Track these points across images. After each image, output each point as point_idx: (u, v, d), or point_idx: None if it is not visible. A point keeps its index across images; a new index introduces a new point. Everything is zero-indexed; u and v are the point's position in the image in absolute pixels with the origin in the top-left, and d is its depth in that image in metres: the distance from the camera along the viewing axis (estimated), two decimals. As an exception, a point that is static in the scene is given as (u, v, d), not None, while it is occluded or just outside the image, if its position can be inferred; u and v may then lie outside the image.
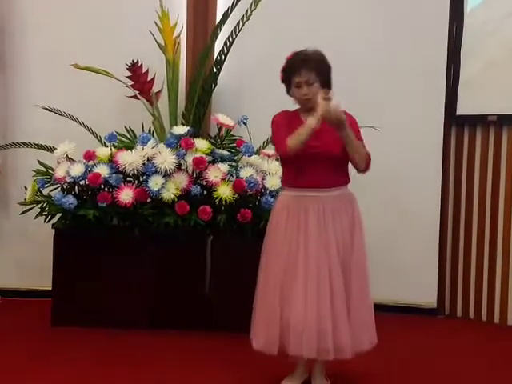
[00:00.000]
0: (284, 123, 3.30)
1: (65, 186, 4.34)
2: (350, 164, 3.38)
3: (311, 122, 3.13)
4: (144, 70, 4.63)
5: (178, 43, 4.68)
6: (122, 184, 4.25)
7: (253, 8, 4.49)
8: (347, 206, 3.37)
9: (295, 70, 3.27)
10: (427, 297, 4.86)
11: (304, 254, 3.24)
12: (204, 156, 4.30)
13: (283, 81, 3.36)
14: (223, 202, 4.20)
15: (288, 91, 3.36)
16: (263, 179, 4.26)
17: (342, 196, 3.35)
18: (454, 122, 4.86)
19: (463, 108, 4.78)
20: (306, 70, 3.25)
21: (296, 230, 3.27)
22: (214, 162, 4.37)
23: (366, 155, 3.38)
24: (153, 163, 4.25)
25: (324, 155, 3.24)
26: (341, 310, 3.24)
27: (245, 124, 4.43)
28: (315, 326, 3.18)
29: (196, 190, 4.24)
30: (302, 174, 3.27)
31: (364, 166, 3.37)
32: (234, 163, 4.43)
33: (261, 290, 3.38)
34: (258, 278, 3.40)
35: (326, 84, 3.31)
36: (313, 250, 3.23)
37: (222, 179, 4.23)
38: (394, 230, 4.84)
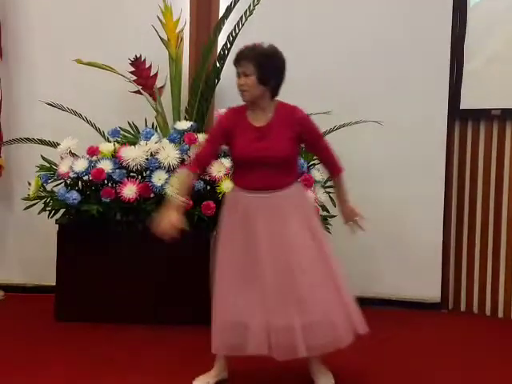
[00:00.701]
0: (223, 129, 3.27)
1: (68, 182, 4.35)
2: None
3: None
4: (147, 65, 4.62)
5: (181, 38, 4.67)
6: (126, 179, 4.25)
7: (256, 2, 4.48)
8: (298, 203, 3.31)
9: (236, 60, 3.24)
10: (431, 291, 4.86)
11: (253, 254, 3.19)
12: (207, 151, 4.29)
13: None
14: (226, 197, 4.20)
15: None
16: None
17: (291, 194, 3.28)
18: (458, 116, 4.85)
19: (467, 102, 4.78)
20: (246, 61, 3.19)
21: (245, 229, 3.22)
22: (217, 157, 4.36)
23: (341, 165, 3.44)
24: (156, 158, 4.25)
25: (271, 159, 3.19)
26: (292, 307, 3.17)
27: (248, 119, 4.42)
28: (265, 325, 3.15)
29: (199, 185, 4.24)
30: (250, 175, 3.22)
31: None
32: (237, 158, 4.41)
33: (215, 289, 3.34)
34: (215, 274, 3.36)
35: (264, 80, 3.19)
36: (262, 249, 3.19)
37: (226, 174, 4.23)
38: (397, 224, 4.84)
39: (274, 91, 3.26)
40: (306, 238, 3.26)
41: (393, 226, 4.83)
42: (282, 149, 3.20)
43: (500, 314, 4.77)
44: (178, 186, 3.32)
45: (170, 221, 3.15)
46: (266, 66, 3.19)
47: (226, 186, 4.18)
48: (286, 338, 3.14)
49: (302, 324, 3.14)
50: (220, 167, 4.24)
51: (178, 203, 3.22)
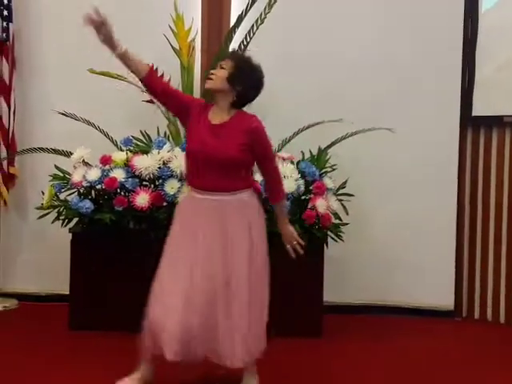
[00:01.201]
0: (194, 105, 3.31)
1: (81, 191, 4.37)
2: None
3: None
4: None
5: (193, 47, 4.69)
6: (138, 188, 4.26)
7: (267, 11, 4.48)
8: (242, 212, 3.27)
9: (223, 56, 3.35)
10: (444, 299, 4.85)
11: (189, 257, 3.20)
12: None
13: None
14: (239, 206, 4.20)
15: None
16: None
17: (237, 201, 3.26)
18: (470, 123, 4.85)
19: (479, 109, 4.77)
20: (229, 58, 3.31)
21: (189, 228, 3.24)
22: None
23: (283, 192, 3.46)
24: (168, 167, 4.26)
25: (218, 159, 3.18)
26: (220, 316, 3.16)
27: (259, 127, 4.43)
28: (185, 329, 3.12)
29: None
30: (197, 174, 3.23)
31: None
32: (249, 166, 4.42)
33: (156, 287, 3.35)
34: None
35: (233, 81, 3.22)
36: (202, 251, 3.19)
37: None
38: (410, 231, 4.84)
39: (238, 99, 3.27)
40: (243, 249, 3.23)
41: (405, 234, 4.83)
42: (231, 151, 3.18)
43: (514, 322, 4.75)
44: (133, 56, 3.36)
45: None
46: (243, 71, 3.26)
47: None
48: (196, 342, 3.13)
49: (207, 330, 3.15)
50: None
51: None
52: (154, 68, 4.56)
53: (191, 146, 3.25)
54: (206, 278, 3.17)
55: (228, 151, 3.17)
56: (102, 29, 3.24)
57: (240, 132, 3.21)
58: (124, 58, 3.39)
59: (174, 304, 3.15)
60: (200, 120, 3.26)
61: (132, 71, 3.41)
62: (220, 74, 3.23)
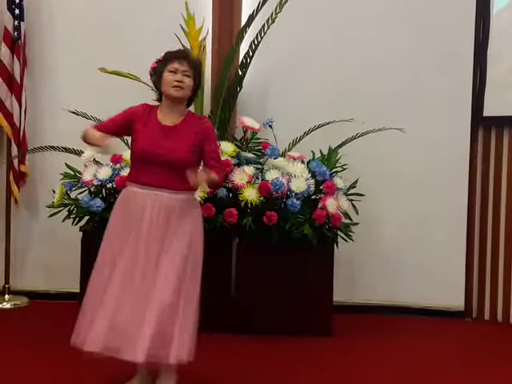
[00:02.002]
0: (133, 115, 3.27)
1: (92, 189, 4.38)
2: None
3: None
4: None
5: (204, 46, 4.69)
6: (149, 187, 4.26)
7: (278, 11, 4.49)
8: (188, 210, 3.29)
9: (176, 58, 3.26)
10: (454, 300, 4.84)
11: (132, 250, 3.20)
12: (230, 159, 4.31)
13: (154, 70, 3.35)
14: (249, 205, 4.21)
15: (156, 83, 3.32)
16: (289, 182, 4.26)
17: (184, 200, 3.27)
18: (481, 123, 4.83)
19: (490, 109, 4.76)
20: (189, 63, 3.27)
21: (130, 223, 3.23)
22: (239, 164, 4.37)
23: (223, 177, 3.47)
24: (179, 166, 4.27)
25: (171, 159, 3.18)
26: (146, 312, 3.13)
27: (270, 127, 4.43)
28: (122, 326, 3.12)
29: (222, 192, 4.25)
30: (147, 171, 3.21)
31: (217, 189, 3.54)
32: (259, 166, 4.43)
33: (90, 281, 3.35)
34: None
35: (195, 88, 3.30)
36: (141, 246, 3.19)
37: (248, 182, 4.24)
38: (420, 232, 4.83)
39: (190, 101, 3.36)
40: (182, 247, 3.23)
41: (415, 234, 4.82)
42: (184, 152, 3.20)
43: (525, 323, 4.74)
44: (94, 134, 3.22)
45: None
46: (199, 77, 3.34)
47: (249, 193, 4.19)
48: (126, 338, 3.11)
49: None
50: (242, 175, 4.25)
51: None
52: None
53: (142, 146, 3.22)
54: (141, 273, 3.17)
55: (179, 152, 3.19)
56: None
57: (193, 133, 3.25)
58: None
59: (107, 299, 3.18)
60: (148, 122, 3.26)
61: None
62: (188, 83, 3.24)
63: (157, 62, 3.41)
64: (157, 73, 3.32)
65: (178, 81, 3.21)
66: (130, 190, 3.31)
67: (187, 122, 3.28)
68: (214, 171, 3.23)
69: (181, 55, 3.28)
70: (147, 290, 3.15)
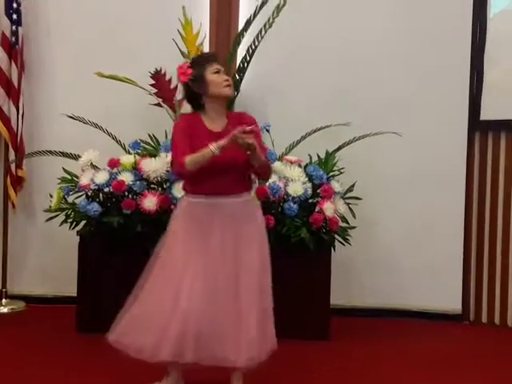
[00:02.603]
0: (187, 131, 3.23)
1: (89, 194, 4.37)
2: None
3: (214, 149, 3.07)
4: (167, 78, 4.65)
5: (201, 51, 4.69)
6: (146, 191, 4.27)
7: (275, 15, 4.50)
8: (253, 212, 3.32)
9: (212, 59, 3.30)
10: (452, 303, 4.84)
11: (206, 258, 3.18)
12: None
13: (191, 76, 3.25)
14: (246, 209, 4.21)
15: (198, 88, 3.24)
16: (286, 185, 4.26)
17: (246, 202, 3.30)
18: (478, 127, 4.84)
19: (487, 113, 4.76)
20: (219, 64, 3.31)
21: (199, 233, 3.21)
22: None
23: (269, 168, 3.41)
24: (176, 170, 4.27)
25: (231, 164, 3.18)
26: (232, 317, 3.14)
27: (267, 131, 4.43)
28: (212, 333, 3.12)
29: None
30: (208, 180, 3.19)
31: (267, 177, 3.44)
32: (256, 170, 4.43)
33: (148, 289, 3.32)
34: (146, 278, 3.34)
35: None
36: (215, 253, 3.19)
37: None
38: (417, 235, 4.84)
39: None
40: (254, 250, 3.25)
41: (412, 238, 4.83)
42: (240, 154, 3.17)
43: (522, 326, 4.74)
44: (198, 154, 3.15)
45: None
46: None
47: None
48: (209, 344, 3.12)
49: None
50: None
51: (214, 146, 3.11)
52: (162, 72, 4.63)
53: None
54: (216, 281, 3.16)
55: (238, 156, 3.17)
56: None
57: None
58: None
59: (182, 306, 3.13)
60: (197, 132, 3.22)
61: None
62: (231, 81, 3.28)
63: (190, 67, 3.28)
64: (197, 78, 3.25)
65: (227, 79, 3.25)
66: (192, 201, 3.28)
67: (232, 122, 3.26)
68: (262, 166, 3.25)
69: (214, 57, 3.34)
70: (230, 297, 3.15)
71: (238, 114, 3.41)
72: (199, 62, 3.31)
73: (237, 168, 3.21)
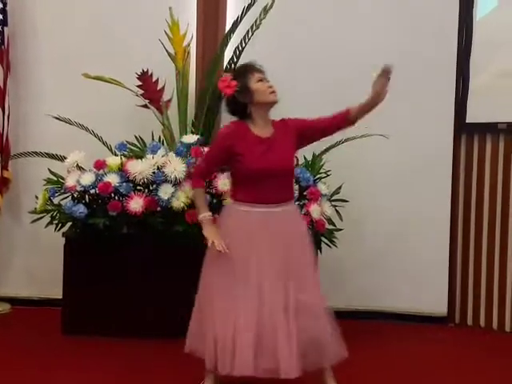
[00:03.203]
0: (226, 147, 3.27)
1: (75, 195, 4.36)
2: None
3: (202, 217, 3.36)
4: (154, 79, 4.64)
5: (188, 52, 4.69)
6: (132, 193, 4.25)
7: (262, 17, 4.51)
8: (299, 220, 3.42)
9: (253, 69, 3.33)
10: (437, 305, 4.85)
11: (257, 270, 3.22)
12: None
13: (236, 87, 3.28)
14: (233, 211, 4.21)
15: (244, 98, 3.29)
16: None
17: (293, 211, 3.38)
18: (464, 129, 4.86)
19: (473, 116, 4.78)
20: (262, 70, 3.35)
21: (250, 242, 3.25)
22: (223, 170, 4.37)
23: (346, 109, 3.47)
24: (163, 172, 4.26)
25: (281, 170, 3.26)
26: (286, 328, 3.18)
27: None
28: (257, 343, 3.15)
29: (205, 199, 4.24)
30: (258, 189, 3.25)
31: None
32: (243, 171, 4.43)
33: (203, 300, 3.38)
34: (204, 286, 3.39)
35: None
36: (267, 262, 3.22)
37: (231, 188, 4.23)
38: (403, 238, 4.84)
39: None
40: (307, 255, 3.35)
41: (399, 240, 4.84)
42: (290, 158, 3.31)
43: (507, 328, 4.75)
44: (202, 203, 3.42)
45: (217, 235, 3.28)
46: None
47: (233, 199, 4.19)
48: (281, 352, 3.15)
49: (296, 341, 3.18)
50: (226, 181, 4.24)
51: (209, 219, 3.36)
52: (149, 73, 4.62)
53: (252, 166, 3.23)
54: (273, 292, 3.20)
55: (289, 160, 3.31)
56: None
57: (286, 137, 3.31)
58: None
59: (247, 321, 3.17)
60: (246, 140, 3.26)
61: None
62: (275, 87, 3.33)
63: (234, 79, 3.30)
64: (242, 89, 3.29)
65: (271, 86, 3.30)
66: (241, 209, 3.31)
67: (277, 129, 3.33)
68: (337, 117, 3.38)
69: (255, 66, 3.35)
70: (287, 305, 3.20)
71: (281, 121, 3.40)
72: (242, 73, 3.34)
73: (285, 175, 3.30)
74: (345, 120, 3.39)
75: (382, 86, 3.31)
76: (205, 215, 3.36)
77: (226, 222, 3.38)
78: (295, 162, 3.33)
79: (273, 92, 3.30)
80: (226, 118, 4.69)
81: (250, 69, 3.34)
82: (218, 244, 3.25)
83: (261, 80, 3.30)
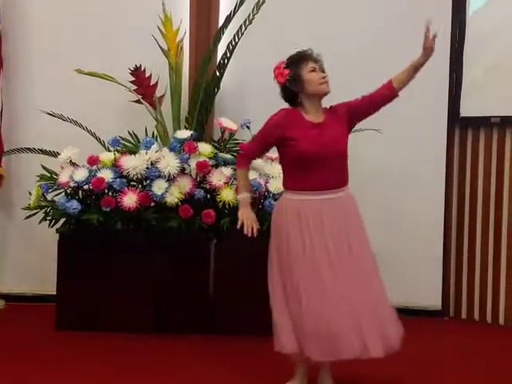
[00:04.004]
0: (276, 131, 3.27)
1: (69, 191, 4.35)
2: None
3: (240, 198, 3.39)
4: (147, 75, 4.64)
5: (181, 48, 4.68)
6: (126, 188, 4.25)
7: (255, 12, 4.50)
8: (353, 205, 3.39)
9: (309, 57, 3.30)
10: (432, 299, 4.86)
11: (323, 258, 3.21)
12: (207, 160, 4.31)
13: (288, 76, 3.28)
14: (227, 206, 4.21)
15: (296, 87, 3.29)
16: (266, 182, 4.27)
17: (348, 196, 3.36)
18: (458, 124, 4.86)
19: (466, 110, 4.78)
20: (317, 60, 3.32)
21: (311, 232, 3.23)
22: (217, 165, 4.37)
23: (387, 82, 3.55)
24: (156, 167, 4.26)
25: (336, 153, 3.26)
26: (365, 310, 3.22)
27: (248, 127, 4.42)
28: (348, 329, 3.18)
29: (199, 193, 4.25)
30: (312, 175, 3.23)
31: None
32: (237, 167, 4.43)
33: (279, 296, 3.32)
34: (274, 280, 3.33)
35: None
36: (331, 252, 3.22)
37: (226, 183, 4.24)
38: (398, 232, 4.84)
39: None
40: (363, 242, 3.37)
41: (393, 235, 4.83)
42: (343, 141, 3.31)
43: (501, 321, 4.76)
44: (244, 184, 3.42)
45: (250, 218, 3.32)
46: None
47: (226, 194, 4.19)
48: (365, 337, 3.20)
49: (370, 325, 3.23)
50: (220, 176, 4.25)
51: (246, 201, 3.36)
52: (142, 68, 4.61)
53: (307, 150, 3.20)
54: (345, 278, 3.22)
55: (343, 143, 3.31)
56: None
57: (338, 122, 3.32)
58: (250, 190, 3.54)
59: (340, 309, 3.19)
60: (299, 125, 3.26)
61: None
62: (328, 78, 3.31)
63: (287, 67, 3.30)
64: (294, 78, 3.28)
65: (323, 77, 3.28)
66: (297, 198, 3.28)
67: (329, 116, 3.33)
68: (380, 89, 3.45)
69: (310, 54, 3.33)
70: (352, 290, 3.21)
71: (330, 108, 3.39)
72: (295, 62, 3.32)
73: (340, 158, 3.29)
74: (388, 89, 3.44)
75: (429, 41, 3.47)
76: (242, 196, 3.37)
77: (282, 210, 3.34)
78: (347, 144, 3.33)
79: (324, 83, 3.29)
80: (219, 114, 4.75)
81: (303, 57, 3.31)
82: (247, 226, 3.28)
83: (313, 70, 3.28)
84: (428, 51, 3.46)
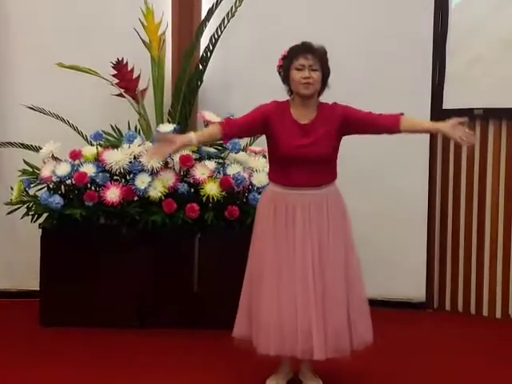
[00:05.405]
0: (260, 116, 3.26)
1: (51, 186, 4.32)
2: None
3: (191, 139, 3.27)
4: (129, 68, 4.61)
5: (163, 41, 4.65)
6: (109, 183, 4.23)
7: (238, 4, 4.49)
8: (334, 203, 3.35)
9: (300, 53, 3.22)
10: (416, 291, 4.88)
11: (290, 251, 3.22)
12: (191, 153, 4.29)
13: (281, 68, 3.28)
14: (210, 200, 4.20)
15: (284, 80, 3.29)
16: (250, 176, 4.26)
17: (328, 194, 3.33)
18: (441, 115, 4.85)
19: (449, 102, 4.79)
20: (312, 55, 3.22)
21: (283, 225, 3.25)
22: (200, 159, 4.36)
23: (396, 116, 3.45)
24: (139, 161, 4.25)
25: (315, 157, 3.22)
26: (321, 310, 3.21)
27: (231, 121, 4.41)
28: (296, 326, 3.18)
29: (183, 187, 4.23)
30: (290, 173, 3.24)
31: None
32: (220, 160, 4.42)
33: (245, 281, 3.41)
34: (246, 268, 3.40)
35: (324, 79, 3.28)
36: (298, 246, 3.22)
37: (209, 176, 4.23)
38: (381, 223, 4.84)
39: (322, 92, 3.33)
40: (340, 241, 3.33)
41: (376, 226, 4.83)
42: (325, 147, 3.24)
43: (484, 313, 4.79)
44: (202, 133, 3.38)
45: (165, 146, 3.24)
46: (327, 66, 3.29)
47: (210, 188, 4.18)
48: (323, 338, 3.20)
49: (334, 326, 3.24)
50: (203, 169, 4.23)
51: (186, 139, 3.26)
52: (124, 62, 4.58)
53: (285, 149, 3.21)
54: (305, 275, 3.21)
55: (323, 148, 3.23)
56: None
57: (329, 125, 3.25)
58: (201, 142, 3.54)
59: (288, 308, 3.20)
60: (284, 121, 3.24)
61: (212, 141, 3.59)
62: (316, 77, 3.21)
63: (282, 59, 3.30)
64: (284, 71, 3.26)
65: (305, 77, 3.18)
66: (275, 191, 3.31)
67: (321, 115, 3.26)
68: (389, 120, 3.33)
69: (305, 49, 3.24)
70: (314, 291, 3.20)
71: (329, 106, 3.33)
72: (289, 55, 3.28)
73: (320, 161, 3.24)
74: (394, 125, 3.36)
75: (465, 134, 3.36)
76: (188, 135, 3.32)
77: (262, 200, 3.40)
78: (333, 149, 3.28)
79: (304, 83, 3.19)
80: (202, 107, 4.73)
81: (297, 52, 3.23)
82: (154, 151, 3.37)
83: (299, 68, 3.20)
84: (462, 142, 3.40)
